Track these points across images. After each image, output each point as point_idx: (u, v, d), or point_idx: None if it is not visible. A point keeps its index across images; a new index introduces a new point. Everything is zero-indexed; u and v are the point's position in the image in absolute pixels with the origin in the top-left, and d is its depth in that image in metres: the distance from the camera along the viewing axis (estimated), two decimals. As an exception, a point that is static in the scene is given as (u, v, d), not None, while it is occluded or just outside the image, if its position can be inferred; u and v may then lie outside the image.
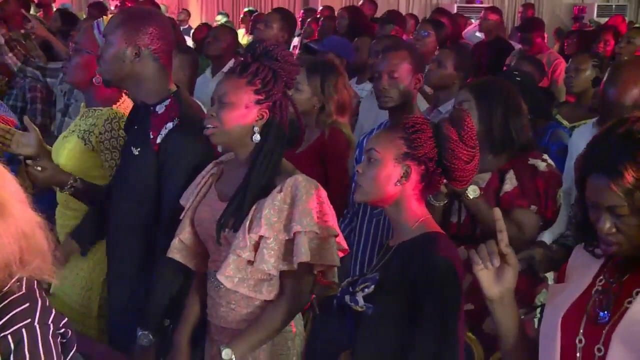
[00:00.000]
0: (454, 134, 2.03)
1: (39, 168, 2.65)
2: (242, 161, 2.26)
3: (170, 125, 2.44)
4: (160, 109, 2.49)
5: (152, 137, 2.45)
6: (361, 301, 1.99)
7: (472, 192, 2.61)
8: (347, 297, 2.04)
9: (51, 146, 2.88)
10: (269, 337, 2.23)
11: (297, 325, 2.34)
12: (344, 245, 2.29)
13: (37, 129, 2.75)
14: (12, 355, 1.45)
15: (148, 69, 2.50)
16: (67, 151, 2.79)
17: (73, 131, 2.87)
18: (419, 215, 2.08)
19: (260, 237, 2.14)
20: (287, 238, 2.15)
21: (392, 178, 2.03)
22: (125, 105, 2.86)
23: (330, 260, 2.20)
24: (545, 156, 2.77)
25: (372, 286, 1.99)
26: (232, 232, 2.18)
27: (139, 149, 2.50)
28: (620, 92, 2.75)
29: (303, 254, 2.12)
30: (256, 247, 2.15)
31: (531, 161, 2.69)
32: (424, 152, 2.03)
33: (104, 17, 2.93)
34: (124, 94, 2.90)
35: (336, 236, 2.23)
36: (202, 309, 2.41)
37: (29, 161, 2.69)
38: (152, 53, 2.50)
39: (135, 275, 2.54)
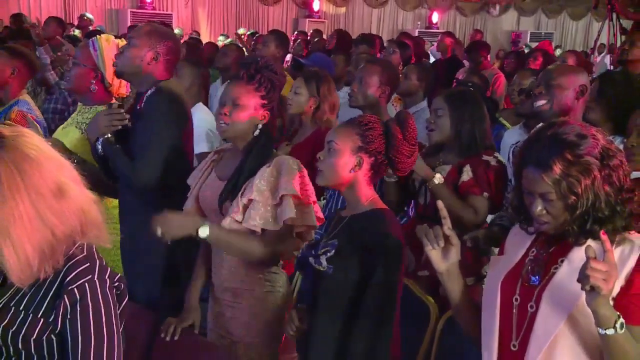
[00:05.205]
0: (399, 133, 2.03)
1: (50, 143, 2.63)
2: (239, 150, 2.28)
3: (149, 92, 2.55)
4: (148, 91, 2.57)
5: (138, 107, 2.56)
6: (324, 263, 1.98)
7: (437, 180, 2.63)
8: (311, 259, 2.02)
9: None
10: (234, 251, 2.21)
11: (285, 286, 2.34)
12: (320, 214, 2.29)
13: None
14: (77, 304, 1.49)
15: (158, 71, 2.59)
16: (67, 139, 2.82)
17: (71, 123, 2.93)
18: (369, 195, 2.07)
19: (250, 200, 2.16)
20: (274, 203, 2.17)
21: (348, 166, 2.02)
22: None
23: (310, 221, 2.22)
24: (497, 154, 2.77)
25: (333, 250, 1.98)
26: (229, 202, 2.21)
27: (131, 122, 2.59)
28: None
29: (289, 212, 2.14)
30: (245, 209, 2.17)
31: (484, 157, 2.69)
32: (374, 147, 2.02)
33: (98, 36, 2.94)
34: (114, 97, 2.97)
35: (314, 202, 2.24)
36: (208, 272, 2.41)
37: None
38: (165, 60, 2.59)
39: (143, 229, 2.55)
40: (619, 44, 5.69)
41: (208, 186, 2.33)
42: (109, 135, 2.55)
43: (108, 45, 2.86)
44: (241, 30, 9.62)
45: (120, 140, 2.58)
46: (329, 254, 1.98)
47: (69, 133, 2.88)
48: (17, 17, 7.95)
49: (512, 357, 1.59)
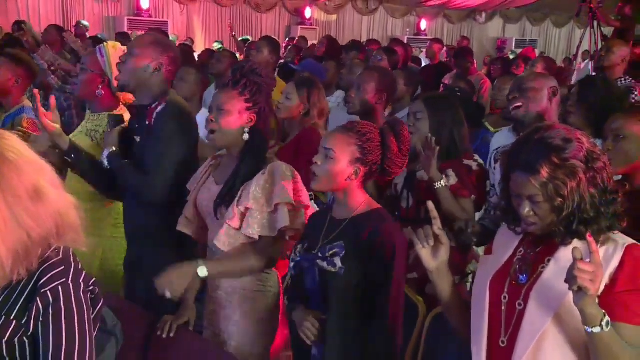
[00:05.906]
0: (395, 146, 2.03)
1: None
2: (234, 155, 2.28)
3: (159, 108, 2.48)
4: (154, 105, 2.50)
5: (147, 122, 2.48)
6: (339, 263, 1.98)
7: (444, 182, 2.61)
8: (320, 262, 2.01)
9: None
10: (235, 274, 2.23)
11: (275, 286, 2.34)
12: None
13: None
14: (50, 307, 1.46)
15: (160, 82, 2.52)
16: None
17: (80, 131, 2.89)
18: (363, 197, 2.08)
19: (247, 208, 2.16)
20: (269, 210, 2.16)
21: (344, 175, 2.02)
22: (122, 110, 2.88)
23: (300, 225, 2.23)
24: (476, 157, 2.78)
25: (343, 252, 1.98)
26: (225, 208, 2.20)
27: (139, 137, 2.52)
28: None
29: (284, 221, 2.14)
30: (243, 217, 2.16)
31: (465, 162, 2.70)
32: (372, 158, 2.03)
33: (105, 43, 2.92)
34: (121, 103, 2.91)
35: (307, 208, 2.24)
36: None
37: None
38: (167, 71, 2.52)
39: (147, 235, 2.52)
40: (600, 50, 5.76)
41: (205, 190, 2.32)
42: (114, 148, 2.49)
43: (115, 52, 2.82)
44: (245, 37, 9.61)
45: (125, 153, 2.52)
46: (341, 255, 1.98)
47: (78, 141, 2.83)
48: (20, 26, 7.88)
49: (501, 353, 1.59)
